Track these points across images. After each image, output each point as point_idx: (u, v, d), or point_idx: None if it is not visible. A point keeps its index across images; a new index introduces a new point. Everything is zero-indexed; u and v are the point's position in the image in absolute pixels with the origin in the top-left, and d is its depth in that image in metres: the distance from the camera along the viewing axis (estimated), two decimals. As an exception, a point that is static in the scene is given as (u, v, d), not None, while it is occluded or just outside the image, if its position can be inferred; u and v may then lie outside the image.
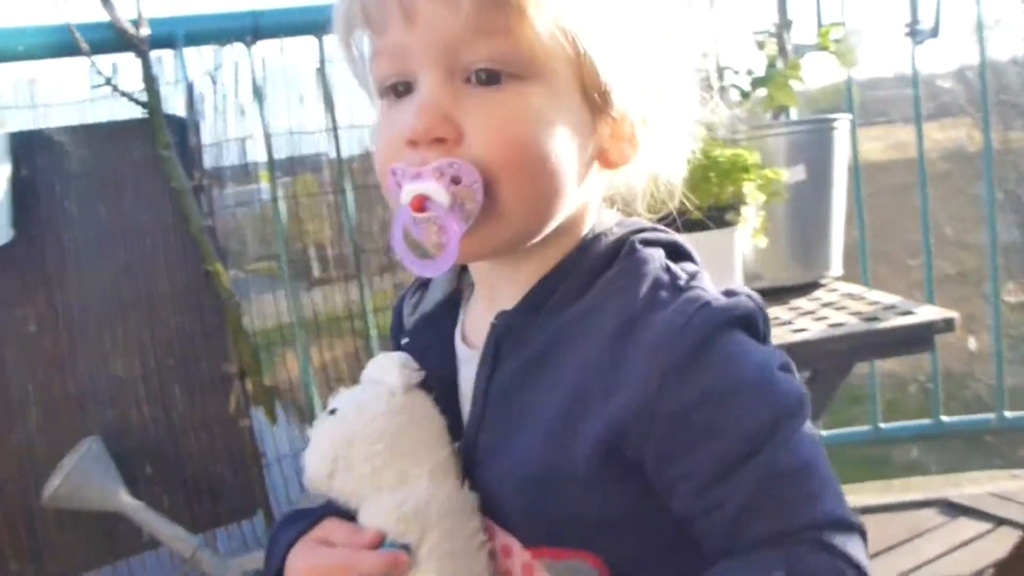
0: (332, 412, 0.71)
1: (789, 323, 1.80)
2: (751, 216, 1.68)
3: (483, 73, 0.60)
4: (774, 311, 1.89)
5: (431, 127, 0.60)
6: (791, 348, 1.69)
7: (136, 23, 2.18)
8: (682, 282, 0.64)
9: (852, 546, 0.57)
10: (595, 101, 0.64)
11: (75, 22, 2.13)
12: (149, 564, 2.30)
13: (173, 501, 2.31)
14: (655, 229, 0.71)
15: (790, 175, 1.90)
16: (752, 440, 0.58)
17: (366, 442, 0.68)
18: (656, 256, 0.67)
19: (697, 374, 0.59)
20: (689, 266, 0.68)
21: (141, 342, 2.30)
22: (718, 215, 1.66)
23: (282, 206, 2.41)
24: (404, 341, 0.78)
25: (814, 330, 1.73)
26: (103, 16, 2.15)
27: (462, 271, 0.78)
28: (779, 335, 1.73)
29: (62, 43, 2.13)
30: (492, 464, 0.67)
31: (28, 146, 2.13)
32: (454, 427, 0.71)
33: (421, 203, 0.61)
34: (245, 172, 2.42)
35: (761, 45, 1.64)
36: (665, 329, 0.60)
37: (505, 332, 0.68)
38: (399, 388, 0.71)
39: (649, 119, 0.68)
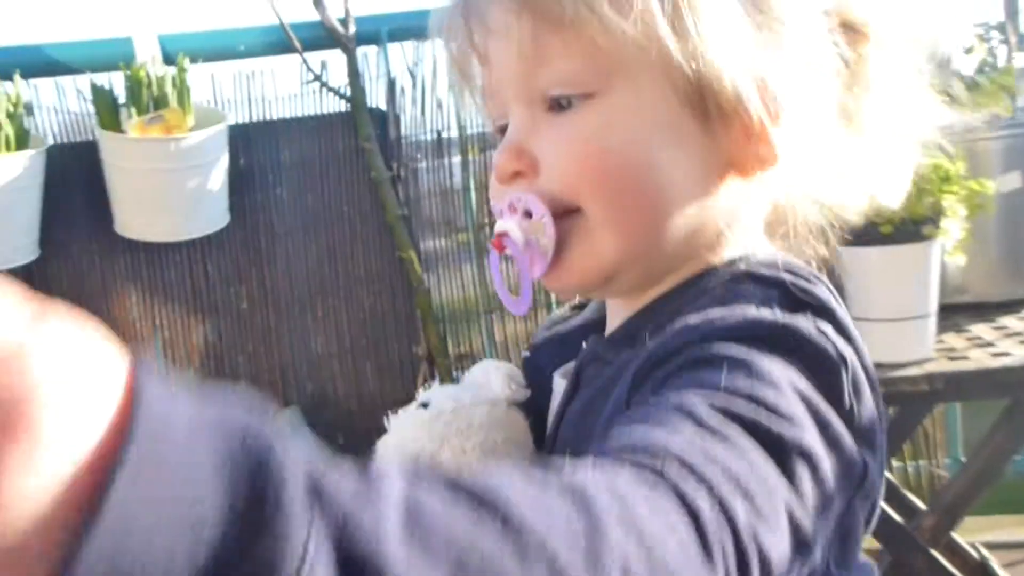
0: (424, 406, 0.66)
1: (991, 345, 1.67)
2: (951, 230, 1.57)
3: (553, 100, 0.57)
4: (976, 329, 1.76)
5: (507, 162, 0.58)
6: (989, 373, 1.56)
7: (344, 21, 2.31)
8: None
9: None
10: (695, 99, 0.55)
11: (289, 22, 2.28)
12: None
13: (362, 472, 2.46)
14: (802, 277, 0.56)
15: (1003, 183, 1.75)
16: None
17: (459, 448, 0.63)
18: (759, 294, 0.54)
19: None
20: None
21: (338, 322, 2.46)
22: (913, 229, 1.56)
23: (473, 197, 2.49)
24: (525, 355, 0.73)
25: (1018, 355, 1.59)
26: (314, 16, 2.30)
27: None
28: (977, 358, 1.61)
29: (277, 42, 2.29)
30: None
31: (245, 137, 2.32)
32: None
33: (500, 241, 0.59)
34: (440, 163, 2.51)
35: (970, 50, 1.50)
36: (684, 326, 0.51)
37: (589, 360, 0.62)
38: (503, 400, 0.66)
39: (781, 113, 0.56)
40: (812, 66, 0.58)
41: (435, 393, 0.67)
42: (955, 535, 2.03)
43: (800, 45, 0.57)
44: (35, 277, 2.15)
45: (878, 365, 1.61)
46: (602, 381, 0.58)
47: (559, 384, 0.66)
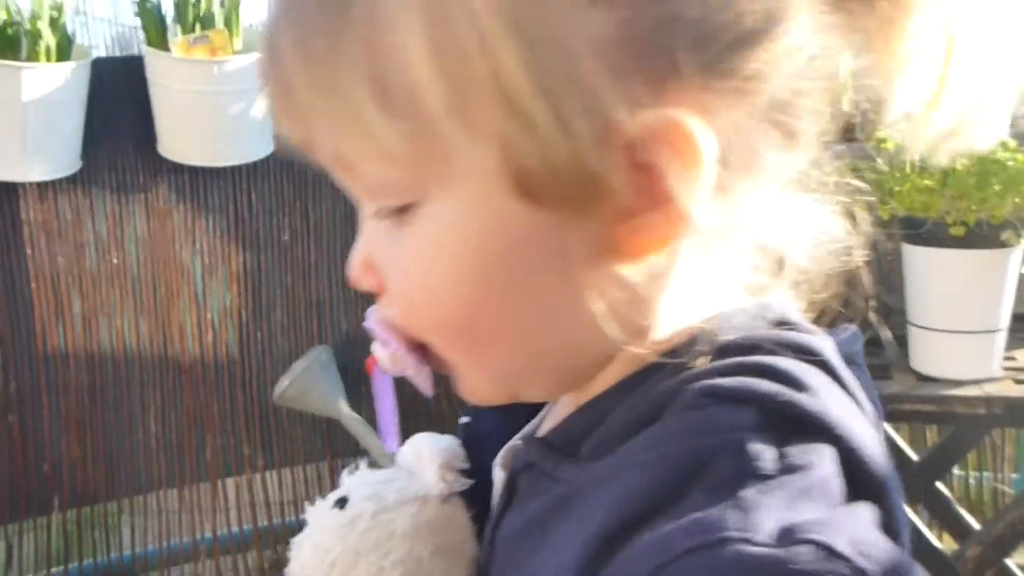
0: (341, 503, 0.56)
1: (1068, 370, 1.48)
2: (1036, 239, 1.38)
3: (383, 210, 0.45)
4: (1055, 348, 1.57)
5: (356, 277, 0.48)
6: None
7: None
8: (748, 482, 0.37)
9: None
10: (527, 188, 0.41)
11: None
12: (360, 467, 2.45)
13: (391, 417, 2.42)
14: (781, 376, 0.41)
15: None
16: None
17: (375, 566, 0.53)
18: (730, 423, 0.39)
19: None
20: (799, 453, 0.38)
21: (380, 261, 2.39)
22: (990, 233, 1.38)
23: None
24: (464, 420, 0.61)
25: (1097, 384, 1.41)
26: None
27: None
28: (1049, 384, 1.43)
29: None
30: None
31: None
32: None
33: (370, 368, 0.51)
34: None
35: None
36: (640, 554, 0.36)
37: (522, 467, 0.50)
38: (434, 496, 0.55)
39: (667, 177, 0.40)
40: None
41: (355, 486, 0.57)
42: (1007, 560, 1.87)
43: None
44: (78, 191, 2.13)
45: (932, 380, 1.45)
46: (541, 506, 0.47)
47: (498, 476, 0.55)
